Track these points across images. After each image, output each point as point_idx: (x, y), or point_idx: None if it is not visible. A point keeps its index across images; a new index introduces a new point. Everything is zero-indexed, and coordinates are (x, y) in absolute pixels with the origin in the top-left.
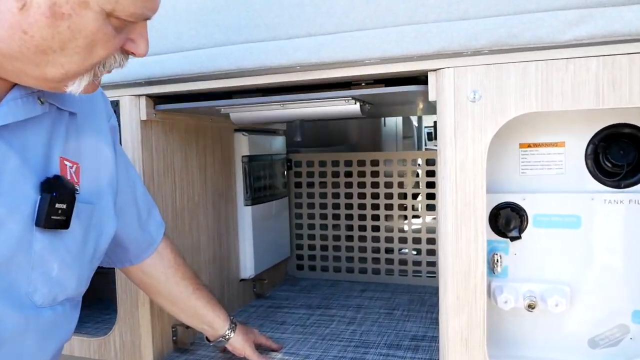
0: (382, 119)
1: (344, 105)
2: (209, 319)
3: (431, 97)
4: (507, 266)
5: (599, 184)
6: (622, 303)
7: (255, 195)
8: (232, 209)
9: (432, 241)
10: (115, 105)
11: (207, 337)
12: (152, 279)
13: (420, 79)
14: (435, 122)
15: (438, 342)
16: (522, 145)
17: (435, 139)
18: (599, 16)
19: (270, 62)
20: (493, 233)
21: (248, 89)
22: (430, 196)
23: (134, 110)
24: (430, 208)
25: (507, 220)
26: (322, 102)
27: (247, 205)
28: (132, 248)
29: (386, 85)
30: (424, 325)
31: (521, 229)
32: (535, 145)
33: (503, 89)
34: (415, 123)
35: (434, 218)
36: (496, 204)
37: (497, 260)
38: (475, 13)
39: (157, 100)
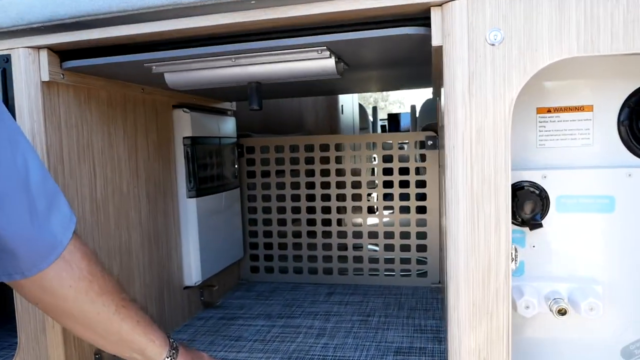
0: (340, 105)
1: (316, 60)
2: (140, 345)
3: (435, 42)
4: (523, 261)
5: (634, 157)
6: None
7: (201, 186)
8: (172, 202)
9: (406, 235)
10: (5, 61)
11: None
12: (56, 296)
13: (421, 22)
14: (389, 115)
15: (427, 355)
16: (539, 111)
17: (390, 131)
18: None
19: None
20: None
21: (190, 37)
22: (404, 184)
23: (31, 68)
24: (404, 197)
25: (524, 203)
26: (286, 54)
27: (190, 197)
28: (23, 254)
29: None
30: (407, 334)
31: (543, 215)
32: (557, 110)
33: (533, 28)
34: (370, 117)
35: (404, 210)
36: (510, 183)
37: (512, 254)
38: None
39: (64, 55)
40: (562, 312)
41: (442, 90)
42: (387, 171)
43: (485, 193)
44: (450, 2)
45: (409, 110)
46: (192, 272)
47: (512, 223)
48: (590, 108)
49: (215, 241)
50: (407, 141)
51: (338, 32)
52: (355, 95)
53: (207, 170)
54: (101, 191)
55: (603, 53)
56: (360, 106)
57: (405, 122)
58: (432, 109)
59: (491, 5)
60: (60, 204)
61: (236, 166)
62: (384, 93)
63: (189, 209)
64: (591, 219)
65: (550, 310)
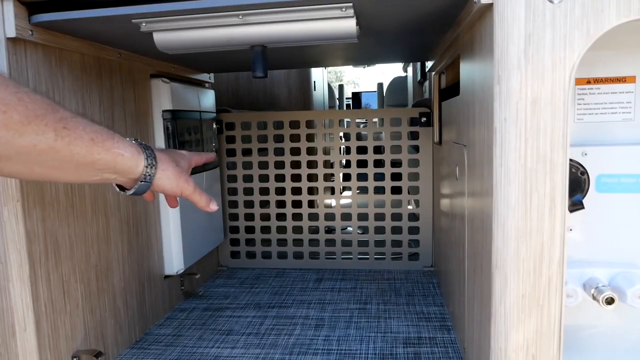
0: (313, 82)
1: (337, 20)
2: (107, 164)
3: None
4: None
5: None
6: None
7: None
8: None
9: (397, 217)
10: None
11: (118, 187)
12: None
13: None
14: (353, 94)
15: (440, 346)
16: (578, 82)
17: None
18: None
19: None
20: None
21: None
22: (396, 164)
23: None
24: (396, 177)
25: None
26: (304, 11)
27: None
28: None
29: None
30: (412, 323)
31: (583, 195)
32: (596, 81)
33: None
34: (337, 95)
35: (396, 190)
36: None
37: None
38: None
39: (33, 7)
40: (609, 302)
41: (484, 56)
42: (378, 149)
43: (540, 172)
44: None
45: (364, 89)
46: (174, 260)
47: None
48: (632, 79)
49: (197, 226)
50: (393, 117)
51: None
52: (325, 73)
53: (187, 148)
54: None
55: None
56: (328, 84)
57: (365, 100)
58: (402, 87)
59: None
60: None
61: (216, 143)
62: (338, 73)
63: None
64: (634, 200)
65: (595, 299)
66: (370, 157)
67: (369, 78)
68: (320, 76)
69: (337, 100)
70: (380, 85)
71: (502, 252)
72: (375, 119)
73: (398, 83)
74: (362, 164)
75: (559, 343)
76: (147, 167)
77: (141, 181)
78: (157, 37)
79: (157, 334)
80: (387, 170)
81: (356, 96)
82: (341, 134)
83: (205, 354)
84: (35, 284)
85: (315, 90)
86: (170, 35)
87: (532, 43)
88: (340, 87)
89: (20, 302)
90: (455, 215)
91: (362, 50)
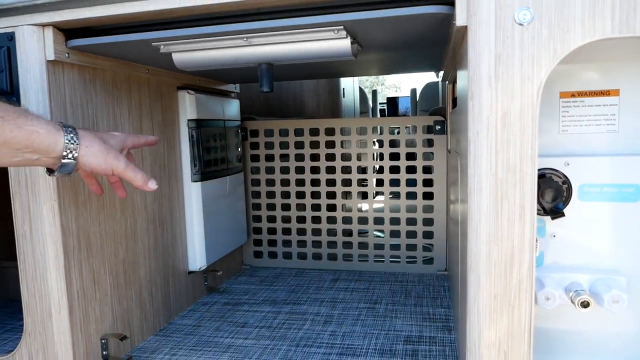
0: (342, 88)
1: (332, 40)
2: (21, 143)
3: (459, 22)
4: (542, 252)
5: None
6: None
7: (205, 170)
8: (176, 185)
9: (412, 222)
10: (9, 39)
11: (47, 169)
12: None
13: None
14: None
15: (438, 344)
16: (563, 95)
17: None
18: None
19: None
20: None
21: (201, 15)
22: (411, 169)
23: (36, 46)
24: (411, 183)
25: (545, 192)
26: (301, 33)
27: (195, 181)
28: None
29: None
30: (415, 322)
31: (564, 203)
32: (581, 94)
33: (565, 7)
34: (370, 101)
35: (411, 196)
36: (537, 171)
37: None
38: None
39: (69, 33)
40: (585, 305)
41: (464, 73)
42: (394, 156)
43: (510, 181)
44: None
45: (405, 94)
46: (197, 257)
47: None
48: (616, 92)
49: (220, 226)
50: (409, 125)
51: (356, 11)
52: (356, 79)
53: (211, 154)
54: None
55: None
56: (361, 90)
57: (403, 106)
58: (434, 93)
59: None
60: None
61: (240, 150)
62: (380, 77)
63: (194, 192)
64: (615, 208)
65: (572, 302)
66: (386, 163)
67: (411, 82)
68: (350, 82)
69: (371, 106)
70: (413, 90)
71: (476, 255)
72: (399, 126)
73: (431, 88)
74: (379, 170)
75: (530, 341)
76: (67, 142)
77: (63, 159)
78: (175, 57)
79: (179, 324)
80: (402, 176)
81: (392, 101)
82: (359, 140)
83: (220, 343)
84: (69, 273)
85: (344, 97)
86: (186, 55)
87: (502, 62)
88: (374, 92)
89: (55, 289)
90: (456, 220)
91: (377, 62)
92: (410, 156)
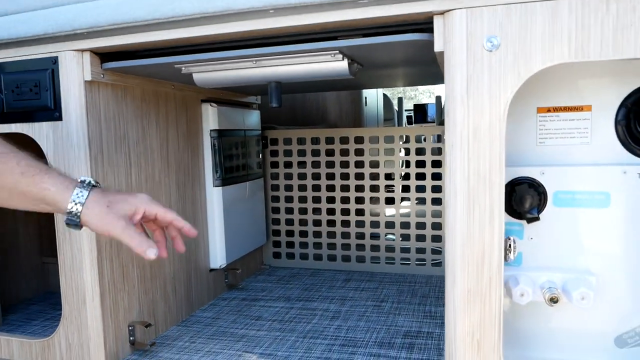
0: (364, 97)
1: (330, 62)
2: (36, 196)
3: (437, 47)
4: (521, 253)
5: (631, 155)
6: None
7: (226, 176)
8: (199, 190)
9: (421, 226)
10: (53, 62)
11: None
12: None
13: (424, 28)
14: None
15: (434, 339)
16: (540, 110)
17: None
18: None
19: (239, 5)
20: (506, 214)
21: (216, 42)
22: (420, 176)
23: (76, 68)
24: (420, 189)
25: (522, 198)
26: (302, 57)
27: (216, 186)
28: None
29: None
30: (417, 319)
31: (539, 209)
32: (556, 109)
33: (528, 35)
34: (395, 107)
35: (421, 201)
36: (510, 179)
37: (510, 246)
38: None
39: (104, 57)
40: (553, 300)
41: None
42: (405, 164)
43: (480, 188)
44: (451, 11)
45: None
46: (218, 256)
47: (512, 216)
48: (589, 108)
49: (240, 227)
50: (423, 135)
51: (349, 38)
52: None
53: (232, 161)
54: (136, 179)
55: (593, 59)
56: (386, 97)
57: (432, 113)
58: None
59: (488, 14)
60: None
61: (260, 157)
62: None
63: (215, 197)
64: (587, 214)
65: (543, 298)
66: (397, 170)
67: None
68: (373, 91)
69: (397, 113)
70: (438, 98)
71: (452, 254)
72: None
73: None
74: (388, 176)
75: (499, 330)
76: (72, 202)
77: (68, 214)
78: (195, 76)
79: (200, 317)
80: (412, 183)
81: (420, 108)
82: (371, 148)
83: (235, 333)
84: (101, 266)
85: (366, 105)
86: (204, 75)
87: (473, 83)
88: (400, 99)
89: (89, 279)
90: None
91: (381, 77)
92: (420, 164)
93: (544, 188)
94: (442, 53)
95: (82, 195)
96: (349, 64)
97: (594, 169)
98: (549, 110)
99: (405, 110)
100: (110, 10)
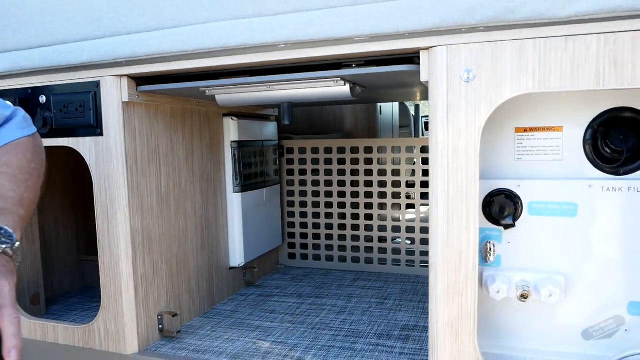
0: (379, 106)
1: (334, 87)
2: None
3: (423, 78)
4: (500, 255)
5: (597, 170)
6: (618, 294)
7: (245, 182)
8: (221, 195)
9: (426, 230)
10: (96, 86)
11: None
12: None
13: (414, 60)
14: None
15: (429, 332)
16: (518, 130)
17: None
18: None
19: (255, 40)
20: (486, 221)
21: (235, 69)
22: (425, 184)
23: (115, 91)
24: (425, 197)
25: (501, 207)
26: (310, 82)
27: (236, 192)
28: None
29: (379, 64)
30: (415, 315)
31: (515, 217)
32: (532, 129)
33: (498, 69)
34: (412, 112)
35: (425, 207)
36: (490, 190)
37: (490, 249)
38: None
39: (139, 81)
40: (524, 297)
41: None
42: (410, 172)
43: (458, 199)
44: (434, 47)
45: None
46: (237, 255)
47: (492, 223)
48: (560, 129)
49: (257, 230)
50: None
51: (351, 65)
52: None
53: (250, 169)
54: (165, 186)
55: (554, 90)
56: (402, 104)
57: None
58: None
59: (466, 51)
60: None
61: (277, 165)
62: None
63: (235, 202)
64: (557, 222)
65: (516, 294)
66: (403, 178)
67: None
68: None
69: (413, 119)
70: None
71: (435, 256)
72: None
73: None
74: (396, 184)
75: (474, 321)
76: None
77: None
78: (218, 97)
79: (220, 310)
80: (417, 190)
81: None
82: (380, 158)
83: (251, 324)
84: (135, 262)
85: (381, 114)
86: (226, 97)
87: (452, 109)
88: (417, 106)
89: (125, 273)
90: None
91: (384, 95)
92: (426, 173)
93: (520, 199)
94: (427, 82)
95: None
96: (350, 88)
97: (564, 182)
98: (525, 130)
99: (423, 117)
100: (146, 43)
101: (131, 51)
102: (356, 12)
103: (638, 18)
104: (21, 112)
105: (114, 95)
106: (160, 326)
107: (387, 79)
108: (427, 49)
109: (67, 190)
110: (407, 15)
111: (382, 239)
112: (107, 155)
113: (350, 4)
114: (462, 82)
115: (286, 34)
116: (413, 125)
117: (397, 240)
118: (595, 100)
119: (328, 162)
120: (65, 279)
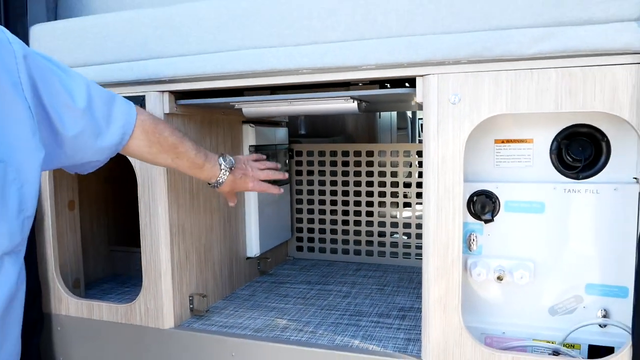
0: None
1: (344, 104)
2: (198, 168)
3: (418, 99)
4: (481, 245)
5: (560, 175)
6: (577, 277)
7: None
8: (240, 194)
9: (421, 226)
10: (142, 100)
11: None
12: (140, 156)
13: (410, 81)
14: None
15: (422, 306)
16: (497, 141)
17: None
18: (559, 34)
19: (280, 66)
20: (470, 216)
21: (258, 87)
22: (421, 185)
23: (158, 104)
24: (421, 196)
25: (482, 205)
26: (325, 100)
27: None
28: (99, 157)
29: (380, 87)
30: (410, 299)
31: (494, 213)
32: (508, 141)
33: (478, 94)
34: (409, 115)
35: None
36: (473, 191)
37: (473, 240)
38: (456, 29)
39: (178, 95)
40: (500, 279)
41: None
42: (407, 174)
43: (446, 198)
44: (427, 75)
45: None
46: (253, 247)
47: (474, 218)
48: (531, 141)
49: (270, 224)
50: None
51: (356, 86)
52: None
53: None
54: (195, 185)
55: (522, 112)
56: None
57: None
58: None
59: (452, 79)
60: (116, 106)
61: (287, 166)
62: None
63: (252, 199)
64: (528, 218)
65: (493, 277)
66: (401, 179)
67: None
68: None
69: (410, 122)
70: None
71: (427, 243)
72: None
73: None
74: (394, 184)
75: (459, 297)
76: (218, 178)
77: (213, 183)
78: (244, 110)
79: (239, 294)
80: (414, 190)
81: None
82: (380, 161)
83: (268, 306)
84: (171, 249)
85: (380, 117)
86: (251, 109)
87: (441, 125)
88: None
89: (164, 259)
90: None
91: (389, 106)
92: (421, 174)
93: (498, 198)
94: (421, 103)
95: (224, 175)
96: (358, 104)
97: (534, 185)
98: (503, 142)
99: (419, 119)
100: (186, 66)
101: (174, 72)
102: (364, 46)
103: (586, 57)
104: (114, 95)
105: (157, 108)
106: (191, 306)
107: (387, 97)
108: (422, 76)
109: (100, 189)
110: (406, 49)
111: (381, 234)
112: None
113: (359, 39)
114: (450, 103)
115: (306, 62)
116: (410, 128)
117: (395, 235)
118: (560, 117)
119: (333, 164)
120: (98, 267)
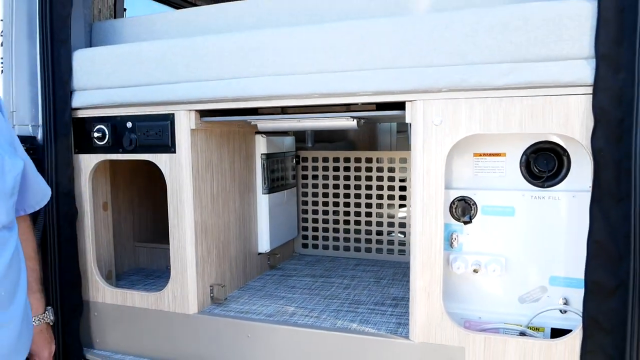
0: None
1: (345, 122)
2: (30, 292)
3: (407, 120)
4: (462, 243)
5: (528, 184)
6: (542, 271)
7: (271, 186)
8: (253, 196)
9: None
10: (171, 117)
11: None
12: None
13: (400, 105)
14: None
15: (409, 295)
16: (475, 155)
17: None
18: (523, 69)
19: (291, 91)
20: (452, 219)
21: (275, 107)
22: None
23: (186, 121)
24: None
25: (462, 209)
26: (329, 119)
27: (264, 194)
28: (29, 196)
29: (377, 107)
30: (403, 290)
31: (472, 216)
32: (485, 154)
33: (456, 117)
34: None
35: None
36: (455, 197)
37: (455, 239)
38: (438, 63)
39: (202, 113)
40: (475, 271)
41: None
42: (402, 179)
43: (430, 204)
44: (415, 101)
45: None
46: (264, 243)
47: (455, 220)
48: (504, 154)
49: (279, 223)
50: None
51: (356, 105)
52: None
53: (275, 175)
54: (216, 189)
55: (494, 132)
56: None
57: None
58: None
59: (436, 104)
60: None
61: (294, 171)
62: None
63: (263, 201)
64: (501, 220)
65: (470, 270)
66: (397, 184)
67: None
68: None
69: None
70: None
71: (414, 241)
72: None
73: None
74: (391, 188)
75: (440, 287)
76: (42, 314)
77: (34, 321)
78: (259, 125)
79: (252, 285)
80: (409, 193)
81: None
82: (378, 166)
83: (277, 295)
84: (195, 245)
85: (380, 124)
86: (266, 125)
87: (426, 143)
88: None
89: (190, 253)
90: None
91: (381, 122)
92: None
93: (476, 203)
94: (410, 124)
95: (44, 318)
96: (357, 122)
97: (506, 192)
98: (481, 155)
99: None
100: (211, 90)
101: (200, 95)
102: (362, 76)
103: (545, 87)
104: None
105: (184, 124)
106: (211, 294)
107: (382, 117)
108: (410, 101)
109: (126, 190)
110: (397, 80)
111: (379, 232)
112: (178, 167)
113: (358, 69)
114: (433, 125)
115: (313, 88)
116: (410, 130)
117: (392, 233)
118: (529, 135)
119: (336, 169)
120: (124, 261)
